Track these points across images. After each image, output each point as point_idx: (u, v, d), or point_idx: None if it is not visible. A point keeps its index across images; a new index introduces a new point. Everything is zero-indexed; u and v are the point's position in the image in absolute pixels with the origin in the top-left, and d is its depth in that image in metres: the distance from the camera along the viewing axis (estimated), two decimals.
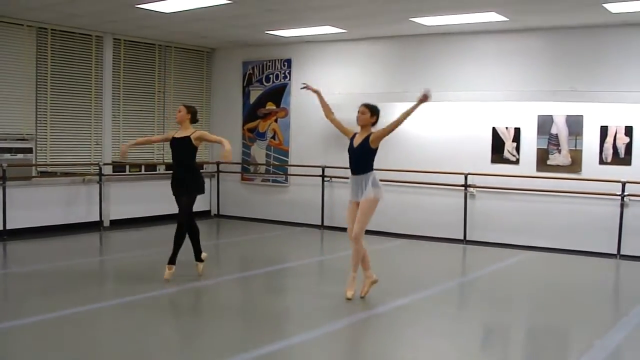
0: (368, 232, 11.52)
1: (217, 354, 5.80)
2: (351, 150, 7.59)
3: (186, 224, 8.36)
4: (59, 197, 12.13)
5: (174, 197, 8.46)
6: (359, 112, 7.62)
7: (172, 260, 8.37)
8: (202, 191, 8.50)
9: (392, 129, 7.37)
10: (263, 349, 5.85)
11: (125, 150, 8.91)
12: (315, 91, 8.37)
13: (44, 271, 9.02)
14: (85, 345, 5.97)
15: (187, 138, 8.31)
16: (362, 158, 7.49)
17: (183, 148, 8.35)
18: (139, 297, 7.59)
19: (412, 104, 7.29)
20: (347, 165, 7.63)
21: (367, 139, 7.45)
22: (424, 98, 7.20)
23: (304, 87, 8.54)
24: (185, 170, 8.39)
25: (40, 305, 7.15)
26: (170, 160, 8.79)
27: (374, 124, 7.62)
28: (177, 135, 8.45)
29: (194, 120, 8.55)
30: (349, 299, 7.45)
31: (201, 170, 9.41)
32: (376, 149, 7.50)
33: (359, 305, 7.31)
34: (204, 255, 8.68)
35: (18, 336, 6.17)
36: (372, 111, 7.60)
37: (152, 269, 8.99)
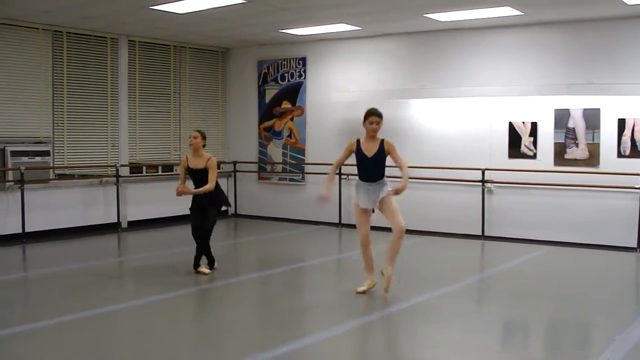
0: (385, 229, 11.53)
1: (237, 353, 5.80)
2: (365, 160, 7.53)
3: (208, 235, 8.71)
4: (76, 199, 12.18)
5: (193, 214, 8.78)
6: (373, 122, 7.50)
7: (211, 262, 8.88)
8: (227, 204, 9.34)
9: (398, 163, 7.42)
10: (283, 347, 5.85)
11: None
12: (328, 190, 7.94)
13: (63, 273, 9.06)
14: (105, 346, 5.99)
15: (205, 170, 8.62)
16: (379, 166, 7.48)
17: (202, 176, 8.65)
18: (159, 297, 7.61)
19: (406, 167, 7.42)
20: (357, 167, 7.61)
21: (382, 149, 7.45)
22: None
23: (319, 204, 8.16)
24: (210, 195, 8.67)
25: (60, 307, 7.18)
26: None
27: None
28: (192, 166, 8.72)
29: (204, 144, 8.85)
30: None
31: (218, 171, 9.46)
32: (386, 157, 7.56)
33: (378, 303, 7.30)
34: (205, 267, 8.84)
35: (38, 338, 6.20)
36: (381, 118, 7.55)
37: (170, 269, 9.02)
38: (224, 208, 9.81)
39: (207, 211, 8.67)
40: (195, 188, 8.72)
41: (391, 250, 7.48)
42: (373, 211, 7.67)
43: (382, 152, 7.43)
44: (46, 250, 10.81)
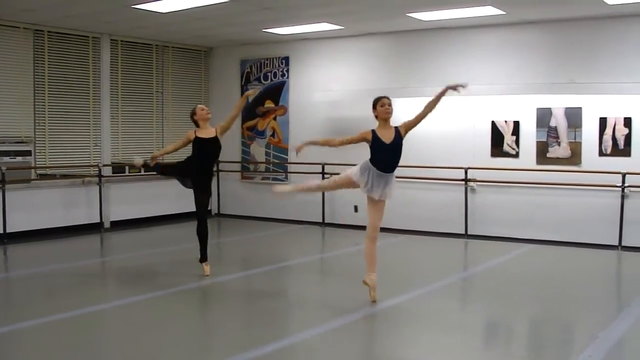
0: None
1: (221, 353, 5.80)
2: (384, 148, 7.18)
3: (205, 222, 8.67)
4: (58, 200, 12.11)
5: (194, 189, 8.68)
6: (385, 104, 7.24)
7: (205, 257, 8.67)
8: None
9: (418, 122, 7.32)
10: (266, 347, 5.85)
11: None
12: (309, 143, 7.74)
13: (45, 274, 9.01)
14: (88, 347, 5.97)
15: (216, 138, 8.69)
16: (398, 155, 7.25)
17: (217, 147, 8.72)
18: (142, 297, 7.59)
19: (432, 97, 7.34)
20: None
21: (398, 133, 7.23)
22: (453, 87, 7.33)
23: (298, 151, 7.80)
24: (211, 169, 8.86)
25: (43, 308, 7.14)
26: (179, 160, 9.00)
27: None
28: (203, 135, 8.66)
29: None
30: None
31: None
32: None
33: (362, 302, 7.29)
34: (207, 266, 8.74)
35: (21, 339, 6.16)
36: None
37: (154, 269, 9.00)
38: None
39: (207, 187, 8.85)
40: (203, 159, 8.68)
41: (371, 256, 7.36)
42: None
43: (400, 137, 7.23)
44: (28, 250, 10.74)
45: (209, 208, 8.76)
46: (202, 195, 8.67)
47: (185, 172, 8.74)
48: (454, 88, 7.27)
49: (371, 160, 7.25)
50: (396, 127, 7.25)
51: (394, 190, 7.31)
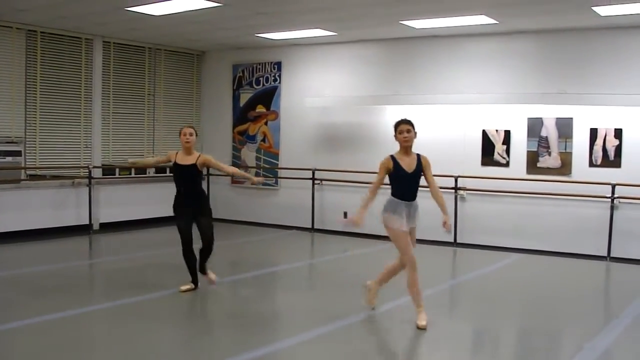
0: (360, 235, 11.53)
1: (208, 358, 5.78)
2: (406, 177, 6.77)
3: (210, 245, 8.11)
4: (48, 201, 12.07)
5: (180, 219, 7.99)
6: (404, 130, 6.72)
7: (195, 281, 8.17)
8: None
9: (430, 182, 6.93)
10: (253, 352, 5.84)
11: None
12: (357, 221, 6.81)
13: (33, 275, 8.97)
14: (75, 348, 5.94)
15: (194, 166, 7.91)
16: (416, 183, 6.86)
17: (192, 176, 7.98)
18: (130, 300, 7.56)
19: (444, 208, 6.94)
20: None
21: (419, 163, 6.82)
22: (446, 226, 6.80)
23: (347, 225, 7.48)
24: (197, 195, 8.06)
25: (30, 309, 7.10)
26: (169, 165, 8.44)
27: None
28: (180, 162, 7.96)
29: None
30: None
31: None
32: None
33: (350, 309, 7.28)
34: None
35: (8, 340, 6.13)
36: (413, 127, 6.80)
37: (142, 272, 8.97)
38: None
39: (201, 222, 8.01)
40: (181, 187, 8.01)
41: (389, 273, 7.12)
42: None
43: (421, 167, 6.81)
44: (16, 251, 10.70)
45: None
46: (200, 222, 8.05)
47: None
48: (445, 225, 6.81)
49: (393, 193, 6.85)
50: (419, 157, 6.86)
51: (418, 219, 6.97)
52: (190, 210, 7.98)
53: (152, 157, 8.67)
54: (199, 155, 8.00)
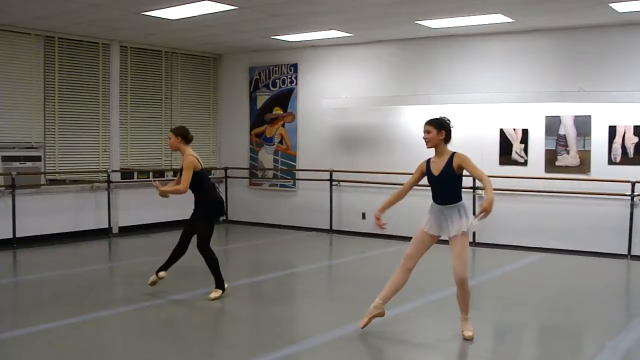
0: (377, 235, 11.52)
1: (230, 358, 5.80)
2: (432, 179, 6.44)
3: (202, 253, 7.87)
4: (67, 205, 12.16)
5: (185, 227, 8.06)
6: (424, 132, 6.46)
7: (163, 268, 7.99)
8: (213, 215, 7.97)
9: (473, 174, 6.40)
10: (273, 353, 5.85)
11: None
12: (378, 223, 6.75)
13: (54, 279, 9.05)
14: (96, 352, 5.97)
15: (181, 169, 7.78)
16: (448, 186, 6.39)
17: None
18: (150, 303, 7.60)
19: (490, 192, 6.09)
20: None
21: (450, 163, 6.34)
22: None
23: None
24: (197, 201, 7.93)
25: (51, 313, 7.15)
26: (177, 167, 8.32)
27: (446, 140, 6.49)
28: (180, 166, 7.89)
29: (187, 140, 7.86)
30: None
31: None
32: (461, 174, 6.40)
33: (366, 310, 7.27)
34: (227, 284, 8.03)
35: (29, 344, 6.17)
36: (438, 126, 6.43)
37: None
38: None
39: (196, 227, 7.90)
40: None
41: (459, 300, 6.61)
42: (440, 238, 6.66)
43: (451, 168, 6.32)
44: (37, 255, 10.78)
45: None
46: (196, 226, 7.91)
47: None
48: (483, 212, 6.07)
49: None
50: (452, 156, 6.41)
51: (464, 225, 6.37)
52: (195, 213, 7.96)
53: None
54: (185, 157, 7.76)
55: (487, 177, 6.26)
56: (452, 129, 6.54)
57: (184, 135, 7.85)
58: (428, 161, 6.53)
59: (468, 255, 6.54)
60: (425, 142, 6.46)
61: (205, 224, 7.81)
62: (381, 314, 6.56)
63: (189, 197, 7.99)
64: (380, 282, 7.12)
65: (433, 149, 6.50)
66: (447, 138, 6.48)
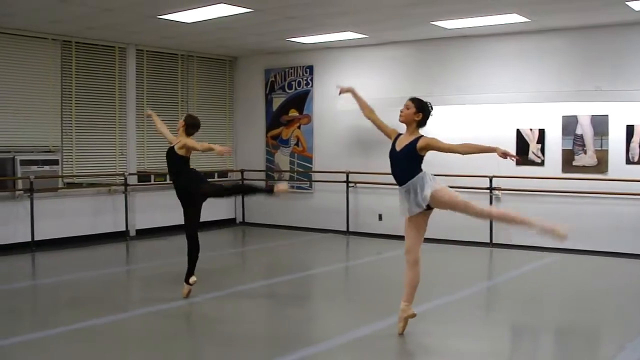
0: (393, 237, 11.49)
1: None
2: (393, 154, 6.41)
3: (192, 238, 7.99)
4: (85, 208, 12.23)
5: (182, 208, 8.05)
6: (404, 106, 6.39)
7: (189, 273, 7.97)
8: (204, 181, 8.11)
9: (447, 151, 6.32)
10: (290, 355, 5.85)
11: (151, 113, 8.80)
12: (349, 90, 7.34)
13: (72, 282, 9.09)
14: (113, 355, 6.00)
15: (172, 149, 7.92)
16: (406, 164, 6.29)
17: (172, 160, 7.98)
18: (167, 306, 7.62)
19: (477, 144, 6.25)
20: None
21: (414, 143, 6.23)
22: (504, 155, 6.02)
23: (340, 92, 7.44)
24: (180, 180, 7.97)
25: (69, 316, 7.20)
26: (204, 169, 8.27)
27: (420, 123, 6.36)
28: (171, 145, 8.06)
29: (188, 132, 8.01)
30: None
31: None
32: (423, 156, 6.32)
33: (386, 311, 7.26)
34: (192, 279, 7.92)
35: (47, 347, 6.21)
36: (418, 106, 6.32)
37: (179, 277, 9.00)
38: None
39: (185, 213, 8.01)
40: (169, 176, 8.22)
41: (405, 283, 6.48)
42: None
43: (414, 147, 6.22)
44: (55, 258, 10.84)
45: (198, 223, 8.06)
46: (186, 211, 8.03)
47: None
48: (504, 156, 6.07)
49: None
50: (419, 137, 6.31)
51: (428, 193, 6.23)
52: (182, 199, 8.01)
53: (167, 131, 8.57)
54: (180, 140, 7.90)
55: (466, 143, 6.23)
56: (430, 117, 6.44)
57: (189, 125, 8.06)
58: (398, 135, 6.48)
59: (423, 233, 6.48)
60: (400, 114, 6.38)
61: (198, 199, 7.93)
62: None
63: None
64: (396, 283, 7.12)
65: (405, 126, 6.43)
66: (423, 122, 6.38)
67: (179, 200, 8.06)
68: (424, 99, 6.46)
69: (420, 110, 6.34)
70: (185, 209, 8.04)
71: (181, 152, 7.85)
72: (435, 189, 6.26)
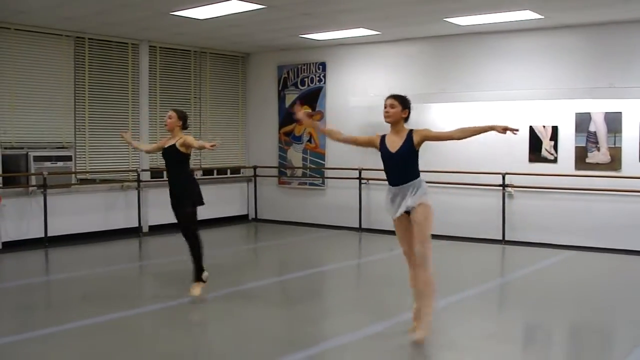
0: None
1: (260, 356, 5.82)
2: (389, 157, 6.21)
3: (189, 240, 7.93)
4: (98, 204, 12.28)
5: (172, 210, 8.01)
6: (386, 105, 6.19)
7: (198, 276, 7.90)
8: (198, 203, 7.97)
9: (444, 138, 6.29)
10: (302, 352, 5.87)
11: (125, 137, 8.83)
12: (307, 122, 7.10)
13: (85, 277, 9.14)
14: (126, 350, 6.03)
15: (174, 146, 7.84)
16: (407, 164, 6.12)
17: (172, 158, 7.90)
18: (179, 302, 7.64)
19: (473, 126, 6.10)
20: (380, 166, 6.63)
21: (409, 140, 6.08)
22: (503, 130, 5.91)
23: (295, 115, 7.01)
24: (178, 181, 7.95)
25: (82, 311, 7.22)
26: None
27: (406, 120, 6.24)
28: (166, 145, 7.98)
29: (184, 126, 8.00)
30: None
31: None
32: (418, 151, 6.15)
33: (399, 308, 7.26)
34: (205, 275, 7.92)
35: (60, 342, 6.25)
36: (403, 104, 6.18)
37: (191, 274, 9.05)
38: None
39: (177, 212, 7.97)
40: (166, 169, 8.14)
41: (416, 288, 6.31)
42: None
43: (411, 144, 6.08)
44: (68, 254, 10.89)
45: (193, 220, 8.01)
46: (176, 213, 8.01)
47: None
48: (504, 131, 5.96)
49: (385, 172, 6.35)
50: (410, 132, 6.16)
51: (420, 199, 6.08)
52: (175, 198, 7.98)
53: (149, 145, 8.53)
54: (181, 137, 7.85)
55: (461, 127, 6.09)
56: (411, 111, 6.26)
57: (184, 119, 8.02)
58: (383, 137, 6.31)
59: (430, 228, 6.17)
60: (386, 116, 6.19)
61: (188, 209, 7.89)
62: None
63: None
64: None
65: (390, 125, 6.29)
66: (408, 118, 6.26)
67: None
68: (404, 94, 6.32)
69: (406, 107, 6.21)
70: (174, 211, 8.01)
71: (182, 149, 7.83)
72: (429, 204, 6.13)
